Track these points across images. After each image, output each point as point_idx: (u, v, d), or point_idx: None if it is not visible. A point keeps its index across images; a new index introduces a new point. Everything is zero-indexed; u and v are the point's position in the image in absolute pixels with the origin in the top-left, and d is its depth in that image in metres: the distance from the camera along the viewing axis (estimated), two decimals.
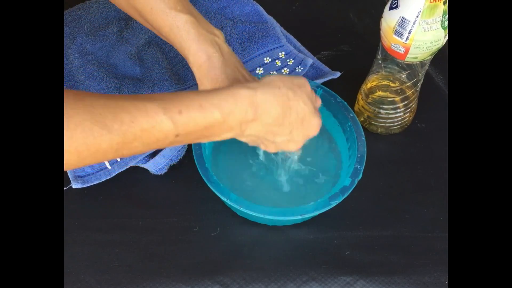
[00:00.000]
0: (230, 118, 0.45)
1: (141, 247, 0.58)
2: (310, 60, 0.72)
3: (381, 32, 0.58)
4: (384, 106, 0.65)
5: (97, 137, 0.39)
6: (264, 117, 0.46)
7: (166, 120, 0.42)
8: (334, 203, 0.54)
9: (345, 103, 0.61)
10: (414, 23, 0.53)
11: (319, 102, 0.54)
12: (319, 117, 0.51)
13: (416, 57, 0.57)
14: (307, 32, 0.78)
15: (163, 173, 0.63)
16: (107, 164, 0.62)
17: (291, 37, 0.76)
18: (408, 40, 0.55)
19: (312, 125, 0.51)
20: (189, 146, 0.63)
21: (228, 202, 0.53)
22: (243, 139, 0.50)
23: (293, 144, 0.51)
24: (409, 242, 0.59)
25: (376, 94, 0.65)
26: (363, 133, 0.59)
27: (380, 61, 0.62)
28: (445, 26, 0.54)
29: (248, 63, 0.72)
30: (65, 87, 0.68)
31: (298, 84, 0.49)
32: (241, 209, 0.53)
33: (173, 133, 0.43)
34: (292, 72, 0.71)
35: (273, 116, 0.47)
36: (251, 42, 0.74)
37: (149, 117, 0.41)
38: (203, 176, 0.54)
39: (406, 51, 0.56)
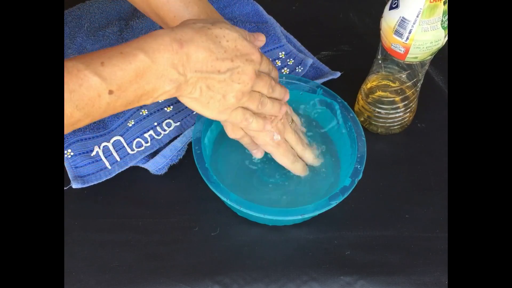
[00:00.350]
0: (158, 58, 0.43)
1: (141, 247, 0.58)
2: (310, 60, 0.72)
3: (381, 32, 0.58)
4: (384, 106, 0.65)
5: None
6: (194, 50, 0.44)
7: (90, 74, 0.40)
8: (334, 203, 0.54)
9: (345, 103, 0.61)
10: (414, 23, 0.53)
11: (260, 40, 0.51)
12: (254, 45, 0.49)
13: (416, 57, 0.57)
14: (307, 32, 0.78)
15: (163, 173, 0.63)
16: (107, 164, 0.62)
17: (291, 37, 0.76)
18: (408, 40, 0.55)
19: (247, 46, 0.48)
20: (189, 146, 0.63)
21: (228, 202, 0.53)
22: (192, 99, 0.47)
23: (244, 74, 0.47)
24: (409, 242, 0.59)
25: (376, 94, 0.65)
26: (363, 133, 0.59)
27: (380, 61, 0.62)
28: (445, 26, 0.54)
29: None
30: None
31: (216, 20, 0.48)
32: (241, 209, 0.53)
33: (104, 88, 0.41)
34: (292, 72, 0.71)
35: (203, 46, 0.45)
36: None
37: (72, 75, 0.40)
38: (203, 176, 0.54)
39: (406, 51, 0.56)
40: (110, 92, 0.41)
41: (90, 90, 0.40)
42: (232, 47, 0.47)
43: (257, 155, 0.60)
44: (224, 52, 0.46)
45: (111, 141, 0.63)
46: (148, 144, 0.63)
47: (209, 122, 0.60)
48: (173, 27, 0.46)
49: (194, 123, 0.59)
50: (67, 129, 0.42)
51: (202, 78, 0.46)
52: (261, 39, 0.51)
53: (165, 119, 0.65)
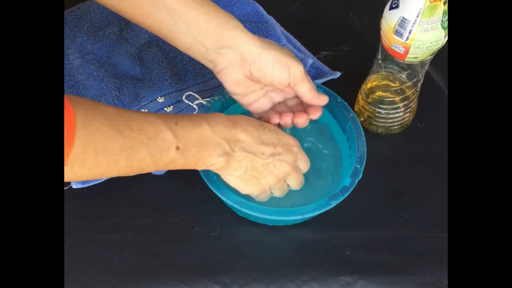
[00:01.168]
0: (216, 131, 0.49)
1: (141, 247, 0.58)
2: (310, 60, 0.72)
3: (381, 32, 0.58)
4: (384, 106, 0.65)
5: (113, 140, 0.42)
6: (243, 134, 0.50)
7: (166, 128, 0.46)
8: (334, 203, 0.54)
9: (345, 103, 0.61)
10: (414, 23, 0.53)
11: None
12: (294, 139, 0.55)
13: (416, 57, 0.57)
14: (307, 32, 0.78)
15: (163, 173, 0.63)
16: None
17: (291, 37, 0.76)
18: (408, 40, 0.55)
19: (287, 137, 0.54)
20: None
21: (228, 202, 0.53)
22: (239, 169, 0.51)
23: (285, 162, 0.53)
24: (409, 242, 0.59)
25: (376, 94, 0.65)
26: (363, 133, 0.59)
27: (380, 61, 0.62)
28: (445, 26, 0.54)
29: None
30: (65, 87, 0.68)
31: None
32: (241, 209, 0.53)
33: (173, 143, 0.46)
34: None
35: (250, 132, 0.51)
36: None
37: (152, 126, 0.45)
38: (203, 176, 0.54)
39: (406, 51, 0.56)
40: (177, 148, 0.47)
41: (163, 141, 0.46)
42: (275, 135, 0.53)
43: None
44: (267, 138, 0.52)
45: None
46: None
47: None
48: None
49: None
50: (134, 171, 0.46)
51: (248, 158, 0.51)
52: (323, 99, 0.55)
53: None
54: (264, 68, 0.52)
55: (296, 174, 0.55)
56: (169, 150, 0.46)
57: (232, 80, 0.54)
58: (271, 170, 0.52)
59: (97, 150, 0.41)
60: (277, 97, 0.57)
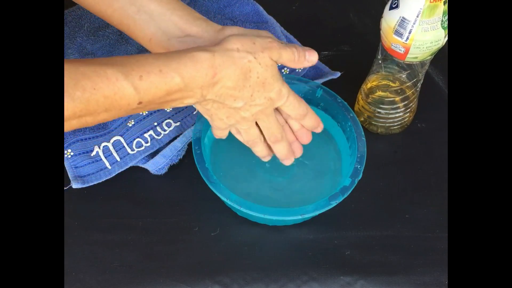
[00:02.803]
0: (191, 83, 0.45)
1: (141, 247, 0.58)
2: None
3: (381, 32, 0.58)
4: (384, 106, 0.65)
5: None
6: (224, 80, 0.46)
7: (127, 85, 0.42)
8: (334, 203, 0.54)
9: (345, 103, 0.61)
10: (414, 23, 0.53)
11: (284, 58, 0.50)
12: (284, 83, 0.50)
13: (416, 57, 0.57)
14: (307, 32, 0.78)
15: (163, 173, 0.63)
16: (107, 164, 0.62)
17: (291, 37, 0.76)
18: (408, 40, 0.55)
19: (274, 88, 0.49)
20: (189, 146, 0.63)
21: (228, 202, 0.53)
22: (201, 108, 0.49)
23: (255, 107, 0.50)
24: (409, 242, 0.59)
25: (376, 94, 0.65)
26: (363, 133, 0.59)
27: (380, 61, 0.62)
28: (445, 26, 0.54)
29: None
30: None
31: (261, 46, 0.48)
32: (241, 209, 0.53)
33: (135, 99, 0.43)
34: (292, 72, 0.71)
35: (233, 78, 0.46)
36: None
37: (110, 82, 0.41)
38: (203, 176, 0.54)
39: (406, 51, 0.56)
40: (140, 103, 0.44)
41: (123, 99, 0.42)
42: (259, 84, 0.48)
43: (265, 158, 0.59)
44: (248, 86, 0.48)
45: (111, 141, 0.63)
46: (148, 144, 0.63)
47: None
48: (219, 45, 0.47)
49: (194, 123, 0.59)
50: (89, 125, 0.44)
51: (217, 102, 0.48)
52: (311, 59, 0.51)
53: (165, 119, 0.65)
54: None
55: (268, 120, 0.52)
56: (129, 105, 0.43)
57: None
58: (237, 113, 0.50)
59: None
60: None
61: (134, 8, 0.51)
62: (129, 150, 0.63)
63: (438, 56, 0.59)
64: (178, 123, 0.65)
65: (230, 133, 0.55)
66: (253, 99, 0.49)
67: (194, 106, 0.51)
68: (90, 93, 0.40)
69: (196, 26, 0.52)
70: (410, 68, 0.61)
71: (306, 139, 0.57)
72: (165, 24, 0.52)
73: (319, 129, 0.56)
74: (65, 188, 0.61)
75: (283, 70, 0.71)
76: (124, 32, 0.54)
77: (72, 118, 0.41)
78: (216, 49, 0.46)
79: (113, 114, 0.44)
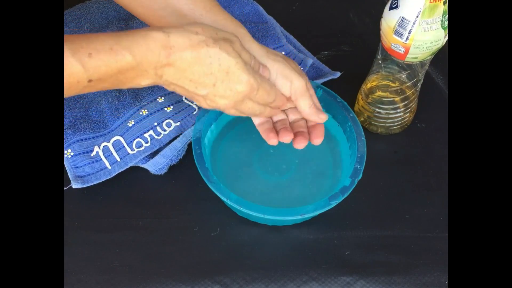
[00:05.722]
0: (143, 61, 0.43)
1: (141, 247, 0.58)
2: (310, 60, 0.72)
3: (381, 32, 0.58)
4: (384, 106, 0.65)
5: None
6: (179, 62, 0.44)
7: (75, 62, 0.41)
8: (334, 203, 0.54)
9: (345, 103, 0.61)
10: (414, 23, 0.53)
11: (265, 73, 0.51)
12: (252, 74, 0.48)
13: (416, 57, 0.57)
14: (307, 32, 0.78)
15: (163, 173, 0.63)
16: (107, 164, 0.62)
17: (291, 37, 0.76)
18: (408, 40, 0.55)
19: (239, 79, 0.47)
20: (189, 146, 0.63)
21: (228, 202, 0.53)
22: (166, 87, 0.48)
23: (222, 99, 0.48)
24: (409, 242, 0.59)
25: (376, 94, 0.65)
26: (363, 133, 0.59)
27: (380, 61, 0.62)
28: (445, 26, 0.54)
29: None
30: None
31: (223, 37, 0.46)
32: (241, 209, 0.53)
33: (84, 77, 0.42)
34: None
35: (188, 61, 0.44)
36: None
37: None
38: (203, 176, 0.54)
39: (406, 51, 0.56)
40: (90, 81, 0.42)
41: (71, 76, 0.41)
42: (222, 73, 0.46)
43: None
44: (210, 74, 0.46)
45: (111, 141, 0.63)
46: (148, 144, 0.63)
47: (209, 122, 0.60)
48: (176, 26, 0.45)
49: (194, 123, 0.59)
50: None
51: (177, 85, 0.47)
52: (322, 117, 0.53)
53: (165, 119, 0.65)
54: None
55: (246, 108, 0.50)
56: (78, 83, 0.42)
57: None
58: (204, 101, 0.48)
59: None
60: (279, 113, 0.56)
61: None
62: (129, 150, 0.63)
63: (438, 56, 0.59)
64: (178, 123, 0.65)
65: (229, 133, 0.55)
66: (217, 90, 0.47)
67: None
68: None
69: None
70: (410, 68, 0.61)
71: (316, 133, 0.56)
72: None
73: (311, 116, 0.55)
74: (65, 188, 0.61)
75: None
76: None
77: None
78: (173, 30, 0.44)
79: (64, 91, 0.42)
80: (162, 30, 0.44)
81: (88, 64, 0.41)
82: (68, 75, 0.41)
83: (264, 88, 0.49)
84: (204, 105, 0.49)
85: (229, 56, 0.46)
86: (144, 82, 0.46)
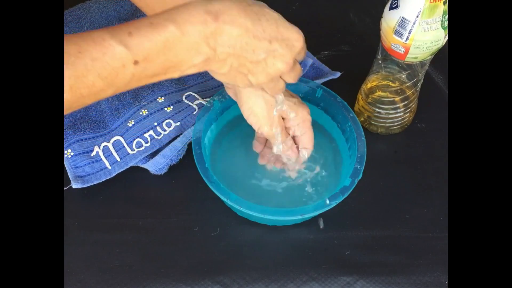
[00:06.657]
0: (189, 30, 0.41)
1: (141, 247, 0.58)
2: (310, 60, 0.72)
3: (381, 32, 0.58)
4: (384, 106, 0.65)
5: None
6: (229, 27, 0.42)
7: (115, 43, 0.39)
8: (334, 203, 0.54)
9: (345, 103, 0.61)
10: (414, 23, 0.53)
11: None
12: (298, 30, 0.46)
13: (416, 57, 0.57)
14: (307, 32, 0.77)
15: (163, 173, 0.63)
16: (107, 164, 0.62)
17: None
18: (408, 40, 0.55)
19: (290, 30, 0.45)
20: (189, 146, 0.63)
21: (228, 202, 0.53)
22: (222, 68, 0.44)
23: (280, 60, 0.45)
24: (409, 242, 0.59)
25: (376, 94, 0.65)
26: (363, 133, 0.59)
27: (380, 61, 0.62)
28: (445, 26, 0.54)
29: None
30: None
31: (258, 4, 0.45)
32: (241, 209, 0.53)
33: (129, 58, 0.40)
34: None
35: (239, 23, 0.42)
36: None
37: (96, 44, 0.39)
38: (203, 176, 0.54)
39: (406, 51, 0.56)
40: (136, 62, 0.40)
41: (114, 59, 0.39)
42: (273, 27, 0.44)
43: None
44: (262, 31, 0.43)
45: (111, 141, 0.63)
46: (148, 144, 0.63)
47: (209, 122, 0.60)
48: None
49: (194, 123, 0.59)
50: (91, 99, 0.40)
51: (234, 55, 0.44)
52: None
53: (165, 119, 0.65)
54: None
55: (293, 71, 0.48)
56: (125, 67, 0.40)
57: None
58: (262, 68, 0.45)
59: None
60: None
61: None
62: (129, 150, 0.63)
63: (438, 56, 0.59)
64: (178, 123, 0.65)
65: (229, 133, 0.55)
66: (274, 48, 0.44)
67: (213, 75, 0.46)
68: (75, 57, 0.38)
69: None
70: (410, 68, 0.61)
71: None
72: None
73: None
74: (65, 188, 0.61)
75: None
76: None
77: (66, 89, 0.38)
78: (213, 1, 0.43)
79: (111, 80, 0.40)
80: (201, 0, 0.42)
81: (130, 43, 0.39)
82: (110, 58, 0.39)
83: (305, 49, 0.49)
84: (262, 76, 0.46)
85: (271, 10, 0.44)
86: (196, 58, 0.42)
